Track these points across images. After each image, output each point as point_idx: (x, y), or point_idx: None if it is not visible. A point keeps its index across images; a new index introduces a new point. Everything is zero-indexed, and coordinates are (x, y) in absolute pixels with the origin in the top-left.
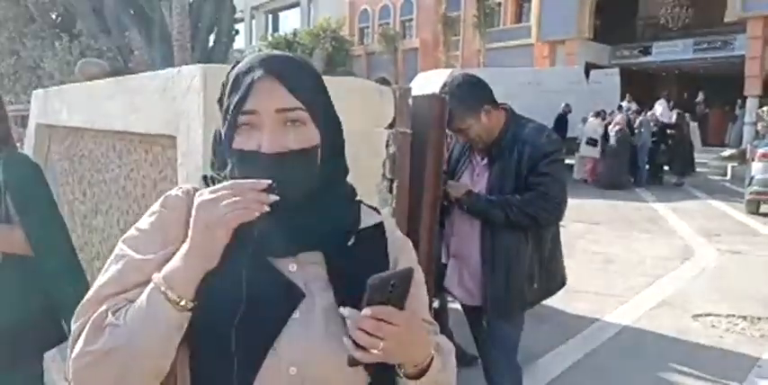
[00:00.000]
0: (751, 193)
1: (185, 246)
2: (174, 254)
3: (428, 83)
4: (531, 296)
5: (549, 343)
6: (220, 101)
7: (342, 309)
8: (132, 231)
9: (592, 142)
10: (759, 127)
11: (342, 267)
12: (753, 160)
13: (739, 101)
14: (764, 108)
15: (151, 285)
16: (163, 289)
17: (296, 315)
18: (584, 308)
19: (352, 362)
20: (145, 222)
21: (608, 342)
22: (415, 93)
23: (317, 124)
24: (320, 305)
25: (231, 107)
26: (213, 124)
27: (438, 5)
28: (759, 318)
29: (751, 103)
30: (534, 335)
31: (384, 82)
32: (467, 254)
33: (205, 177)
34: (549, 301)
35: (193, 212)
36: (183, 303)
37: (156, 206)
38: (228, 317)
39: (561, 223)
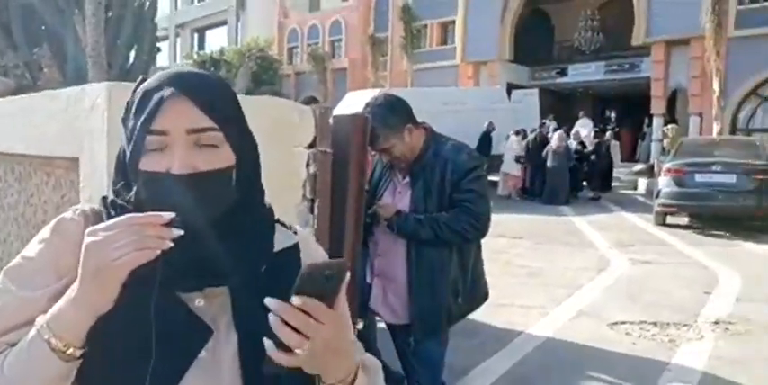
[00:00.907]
0: (659, 206)
1: (73, 290)
2: (67, 287)
3: (357, 102)
4: (457, 311)
5: (474, 358)
6: (125, 120)
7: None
8: (18, 260)
9: (519, 159)
10: (665, 143)
11: (247, 302)
12: (660, 175)
13: (647, 119)
14: (669, 126)
15: (33, 331)
16: (46, 337)
17: (202, 354)
18: (509, 321)
19: (270, 368)
20: (33, 250)
21: (532, 353)
22: (342, 112)
23: (231, 145)
24: (228, 342)
25: (137, 126)
26: (118, 145)
27: (366, 26)
28: (668, 324)
29: (657, 122)
30: (460, 351)
31: (313, 101)
32: (391, 272)
33: (104, 199)
34: (475, 315)
35: (82, 254)
36: (69, 351)
37: (46, 231)
38: (134, 362)
39: (484, 238)
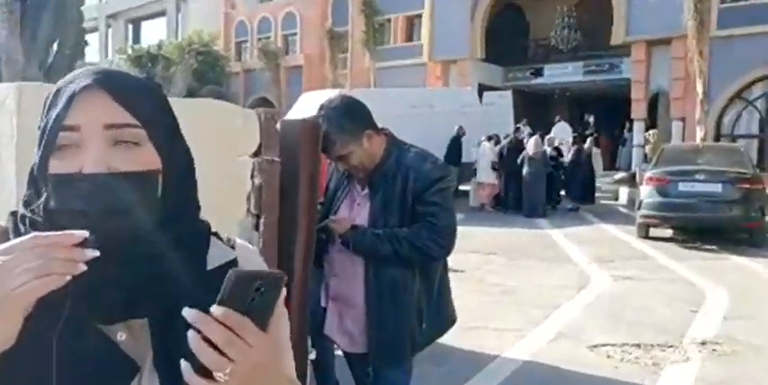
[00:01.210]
0: (641, 217)
1: None
2: None
3: (313, 105)
4: (421, 338)
5: None
6: (40, 125)
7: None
8: None
9: (494, 166)
10: (647, 150)
11: (172, 336)
12: (641, 184)
13: (627, 124)
14: (651, 131)
15: None
16: None
17: None
18: (481, 345)
19: None
20: None
21: (508, 379)
22: (296, 115)
23: (157, 146)
24: (152, 384)
25: (49, 123)
26: (29, 152)
27: (323, 20)
28: (652, 345)
29: (637, 127)
30: (428, 379)
31: (264, 102)
32: (348, 295)
33: (14, 214)
34: (444, 340)
35: None
36: None
37: None
38: None
39: (453, 255)
